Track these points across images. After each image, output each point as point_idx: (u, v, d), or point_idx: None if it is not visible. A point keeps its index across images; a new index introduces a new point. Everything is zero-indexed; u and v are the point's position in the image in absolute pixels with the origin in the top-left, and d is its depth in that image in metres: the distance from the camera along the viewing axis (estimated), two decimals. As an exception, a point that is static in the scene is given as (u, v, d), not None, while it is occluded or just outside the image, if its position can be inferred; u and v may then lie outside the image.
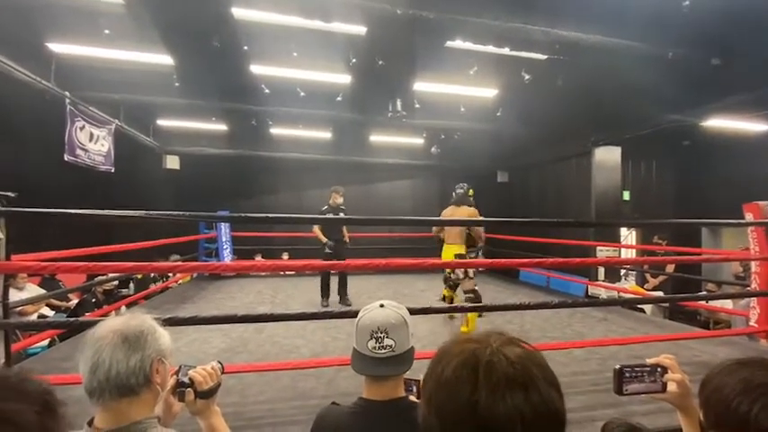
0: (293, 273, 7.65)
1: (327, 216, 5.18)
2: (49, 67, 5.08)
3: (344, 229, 5.52)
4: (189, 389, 1.07)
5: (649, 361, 1.00)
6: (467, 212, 4.21)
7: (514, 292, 6.43)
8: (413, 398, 1.20)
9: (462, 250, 4.16)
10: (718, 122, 6.17)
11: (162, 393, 0.99)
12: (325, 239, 5.24)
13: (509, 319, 4.52)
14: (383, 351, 1.08)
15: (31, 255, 2.84)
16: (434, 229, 4.70)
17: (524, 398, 0.53)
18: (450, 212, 4.37)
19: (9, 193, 2.29)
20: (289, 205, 9.52)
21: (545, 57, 5.22)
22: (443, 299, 4.61)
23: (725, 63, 4.83)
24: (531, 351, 0.60)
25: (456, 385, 0.55)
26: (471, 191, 4.46)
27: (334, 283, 5.43)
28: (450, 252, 4.18)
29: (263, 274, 7.60)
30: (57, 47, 4.98)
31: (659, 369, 0.99)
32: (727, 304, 4.99)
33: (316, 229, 5.36)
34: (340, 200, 5.33)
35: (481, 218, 4.39)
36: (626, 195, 7.92)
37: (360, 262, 2.78)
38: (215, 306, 5.18)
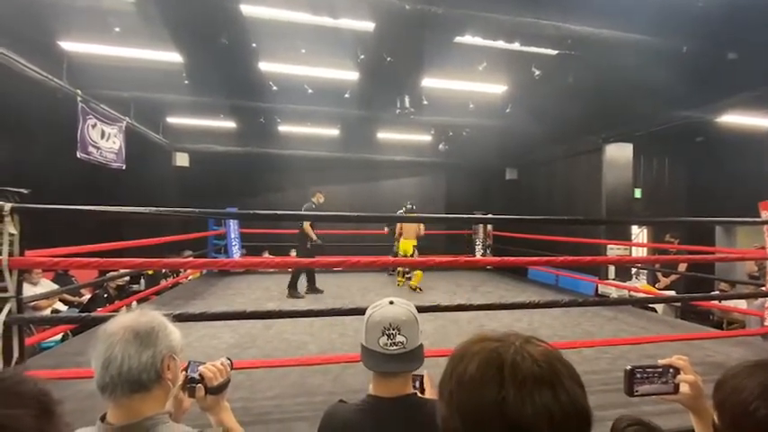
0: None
1: (323, 213, 5.65)
2: (61, 65, 5.15)
3: None
4: (199, 384, 1.08)
5: (661, 362, 0.98)
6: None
7: (523, 290, 6.38)
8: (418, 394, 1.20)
9: (415, 243, 6.25)
10: (732, 118, 6.04)
11: (173, 389, 1.00)
12: (314, 236, 5.78)
13: (518, 317, 4.49)
14: (395, 347, 1.07)
15: (45, 251, 2.88)
16: (398, 227, 6.57)
17: (552, 396, 0.52)
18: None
19: (22, 190, 2.32)
20: (296, 202, 9.48)
21: (556, 52, 5.15)
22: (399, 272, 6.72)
23: (741, 57, 4.71)
24: (552, 350, 0.59)
25: (480, 385, 0.54)
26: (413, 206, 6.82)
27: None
28: (408, 244, 6.23)
29: (271, 270, 7.64)
30: (68, 45, 5.04)
31: (671, 370, 0.96)
32: (741, 304, 4.90)
33: (307, 225, 5.74)
34: (323, 199, 6.07)
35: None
36: (637, 193, 7.81)
37: (367, 259, 2.77)
38: (224, 302, 5.22)
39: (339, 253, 6.80)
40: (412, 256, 6.15)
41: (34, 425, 0.55)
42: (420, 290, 6.03)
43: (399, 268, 6.62)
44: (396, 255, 6.50)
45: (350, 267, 6.22)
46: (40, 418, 0.57)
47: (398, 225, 6.63)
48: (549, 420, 0.51)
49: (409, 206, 6.71)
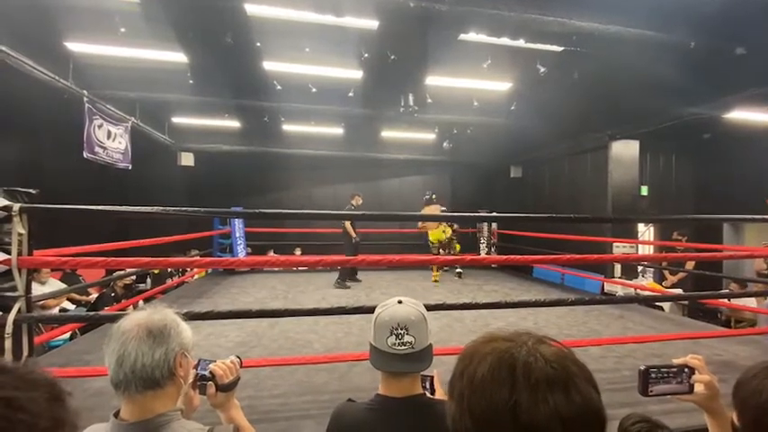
0: (305, 268, 7.70)
1: (342, 212, 5.87)
2: (67, 66, 5.19)
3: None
4: (210, 382, 1.09)
5: (676, 361, 0.97)
6: (437, 209, 6.68)
7: (528, 289, 6.36)
8: (428, 394, 1.20)
9: (447, 230, 6.68)
10: (740, 115, 5.97)
11: (184, 386, 1.01)
12: (354, 234, 6.35)
13: (523, 316, 4.47)
14: (403, 347, 1.06)
15: (53, 250, 2.91)
16: (419, 224, 6.96)
17: (566, 398, 0.51)
18: (429, 210, 6.62)
19: (31, 190, 2.34)
20: (301, 201, 9.59)
21: (561, 48, 5.11)
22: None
23: (749, 53, 4.65)
24: (565, 350, 0.58)
25: (492, 386, 0.54)
26: (434, 196, 6.84)
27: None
28: (438, 232, 6.69)
29: (276, 269, 7.67)
30: (74, 46, 5.07)
31: (686, 370, 0.95)
32: (750, 302, 4.86)
33: (348, 224, 6.29)
34: (361, 201, 6.58)
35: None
36: (644, 190, 7.75)
37: (373, 258, 2.77)
38: (229, 301, 5.24)
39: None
40: (449, 243, 6.70)
41: (48, 407, 0.57)
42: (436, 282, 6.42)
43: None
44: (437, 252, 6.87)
45: (357, 265, 6.24)
46: (52, 402, 0.59)
47: (419, 224, 7.06)
48: (562, 422, 0.50)
49: (428, 196, 6.88)
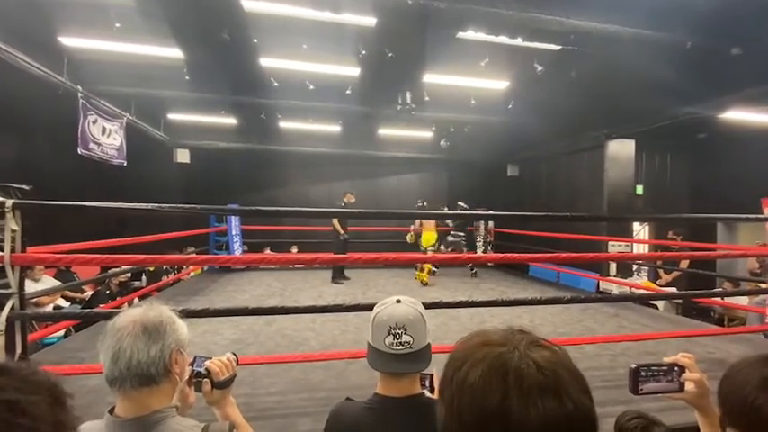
0: (302, 266, 7.69)
1: (340, 210, 5.84)
2: (62, 61, 5.13)
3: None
4: (206, 379, 1.09)
5: (666, 360, 0.97)
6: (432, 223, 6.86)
7: (524, 287, 6.39)
8: (427, 393, 1.19)
9: (435, 234, 6.73)
10: (736, 115, 6.01)
11: (180, 383, 1.00)
12: (342, 231, 6.24)
13: (519, 314, 4.49)
14: (401, 347, 1.05)
15: (47, 247, 2.89)
16: (417, 223, 6.96)
17: (557, 405, 0.51)
18: (426, 221, 6.89)
19: (24, 186, 2.32)
20: (297, 198, 9.57)
21: (558, 47, 5.12)
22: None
23: (745, 53, 4.68)
24: (559, 353, 0.57)
25: (483, 393, 0.53)
26: (425, 203, 7.11)
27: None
28: (431, 235, 6.71)
29: (273, 267, 7.65)
30: (69, 41, 5.02)
31: (676, 368, 0.96)
32: (743, 301, 4.91)
33: (335, 221, 6.17)
34: (353, 199, 6.45)
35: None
36: (639, 190, 7.79)
37: (370, 256, 2.77)
38: (225, 298, 5.23)
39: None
40: (434, 245, 6.62)
41: (49, 411, 0.57)
42: (426, 284, 6.30)
43: (425, 265, 6.57)
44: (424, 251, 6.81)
45: (353, 263, 6.22)
46: (54, 405, 0.58)
47: (417, 222, 7.02)
48: (553, 429, 0.50)
49: (420, 204, 7.16)
